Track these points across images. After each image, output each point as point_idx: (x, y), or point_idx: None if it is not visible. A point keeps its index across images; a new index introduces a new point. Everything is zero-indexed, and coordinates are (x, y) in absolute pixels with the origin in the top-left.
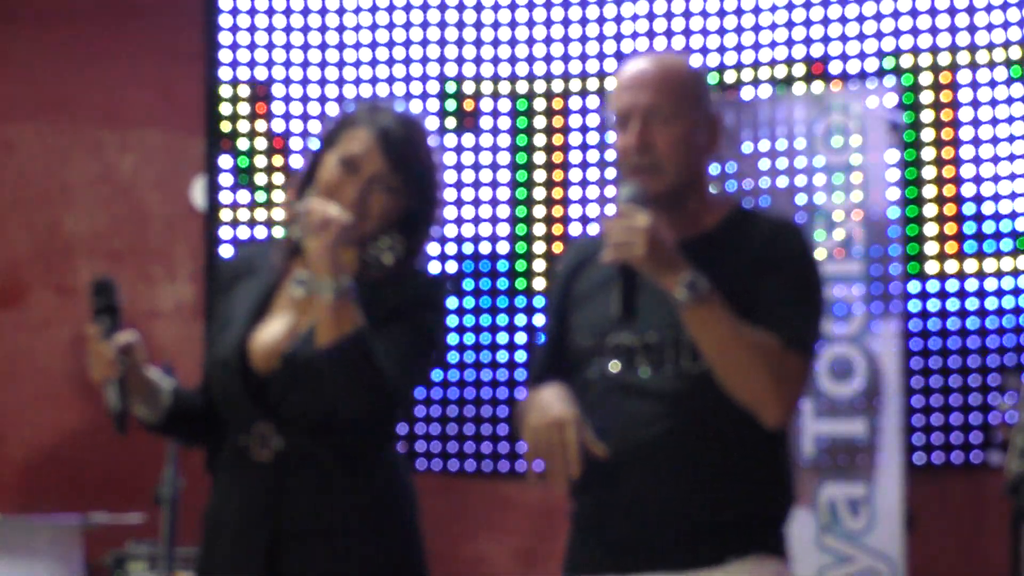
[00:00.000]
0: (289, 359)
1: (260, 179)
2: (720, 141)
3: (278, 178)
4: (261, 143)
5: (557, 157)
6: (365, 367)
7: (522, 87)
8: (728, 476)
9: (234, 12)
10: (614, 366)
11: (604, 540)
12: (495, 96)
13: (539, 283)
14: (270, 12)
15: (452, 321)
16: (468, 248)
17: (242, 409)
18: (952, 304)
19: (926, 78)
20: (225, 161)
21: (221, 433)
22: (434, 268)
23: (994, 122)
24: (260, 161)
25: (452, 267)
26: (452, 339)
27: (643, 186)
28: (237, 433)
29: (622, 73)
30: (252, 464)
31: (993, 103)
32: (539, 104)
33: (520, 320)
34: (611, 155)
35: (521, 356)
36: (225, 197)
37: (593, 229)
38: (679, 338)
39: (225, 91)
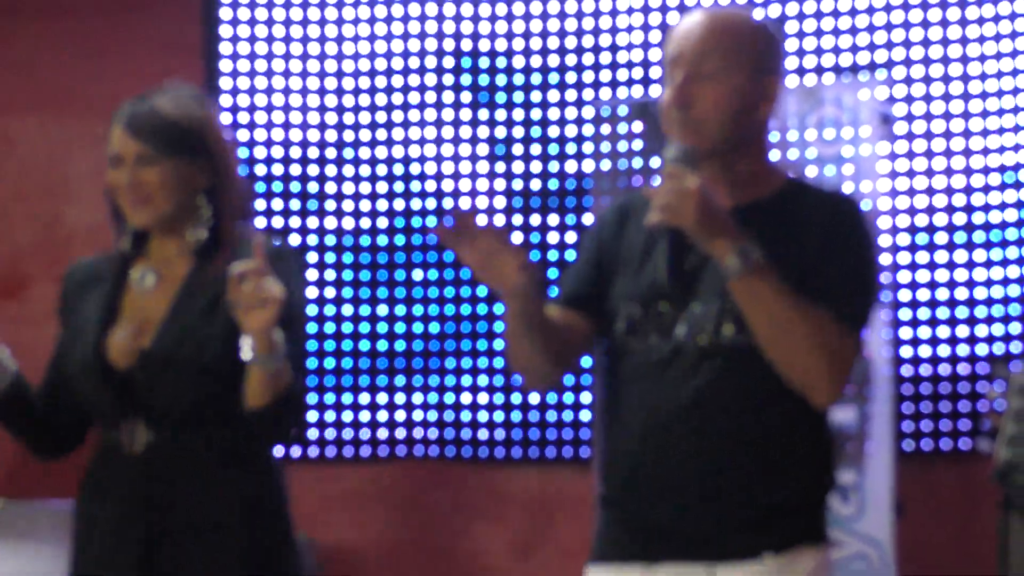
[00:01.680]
0: (147, 355)
1: (260, 170)
2: (777, 105)
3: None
4: (261, 135)
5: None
6: (289, 414)
7: (536, 61)
8: (769, 458)
9: (234, 4)
10: (654, 339)
11: (632, 526)
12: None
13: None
14: (270, 4)
15: (466, 310)
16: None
17: (108, 406)
18: (941, 294)
19: (918, 71)
20: None
21: (56, 436)
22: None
23: (984, 114)
24: (259, 153)
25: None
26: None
27: (691, 145)
28: (108, 430)
29: (679, 24)
30: (123, 458)
31: (984, 95)
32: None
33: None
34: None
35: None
36: None
37: None
38: (725, 309)
39: (225, 83)
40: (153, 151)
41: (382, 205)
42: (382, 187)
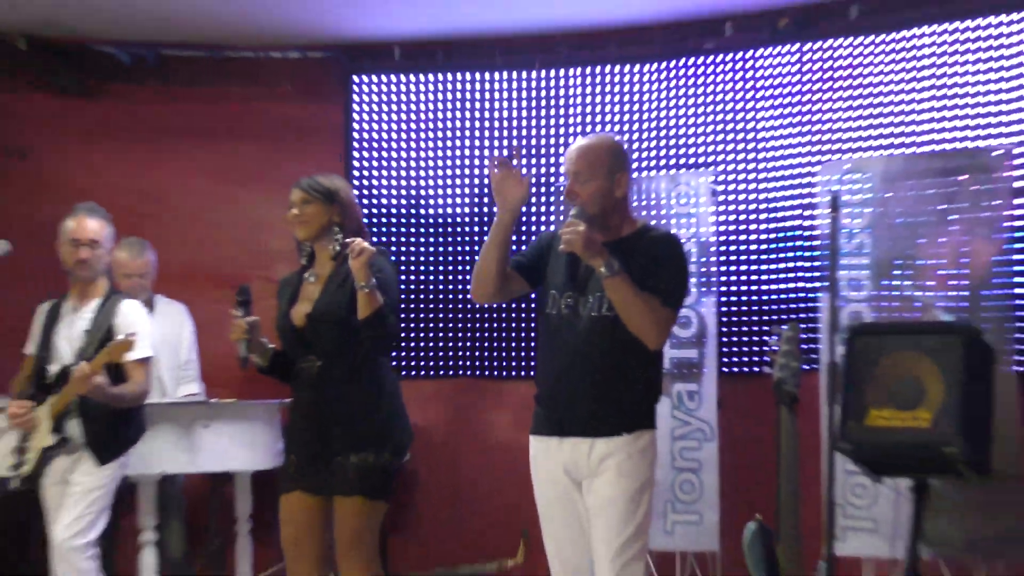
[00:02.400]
0: (308, 317)
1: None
2: (628, 188)
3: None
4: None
5: None
6: (382, 325)
7: None
8: (623, 379)
9: (360, 142)
10: (563, 310)
11: (550, 417)
12: None
13: None
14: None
15: None
16: None
17: (296, 348)
18: (746, 286)
19: (735, 165)
20: None
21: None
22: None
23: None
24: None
25: None
26: None
27: (580, 213)
28: (299, 362)
29: (568, 148)
30: (308, 376)
31: (762, 175)
32: None
33: None
34: None
35: None
36: None
37: None
38: (603, 298)
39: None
40: (308, 196)
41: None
42: None
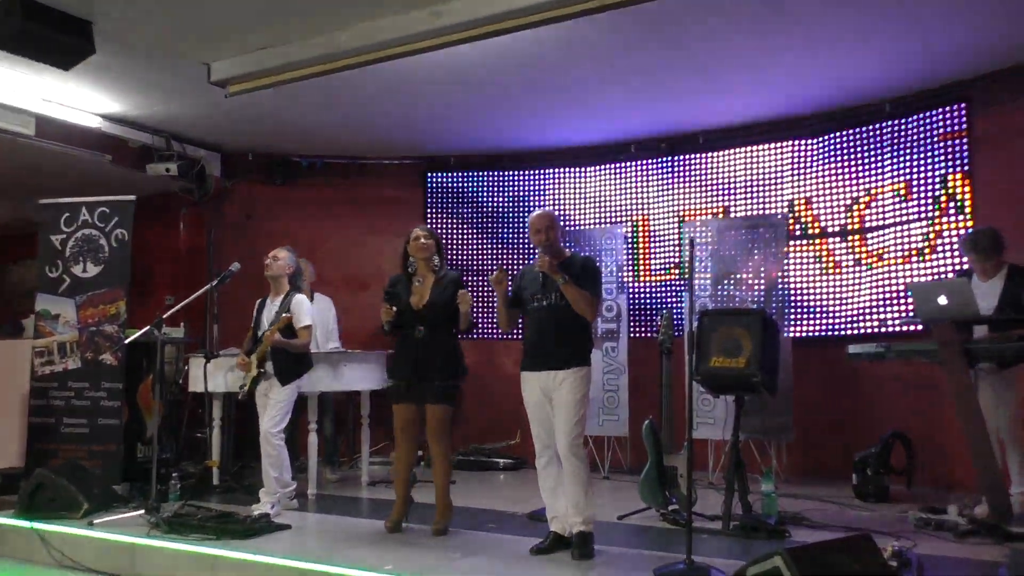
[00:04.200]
0: (427, 304)
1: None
2: (563, 236)
3: None
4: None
5: None
6: (469, 329)
7: None
8: (572, 338)
9: (432, 211)
10: (538, 303)
11: (529, 359)
12: None
13: None
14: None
15: None
16: None
17: (411, 321)
18: (645, 289)
19: (638, 221)
20: None
21: (401, 330)
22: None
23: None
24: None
25: None
26: None
27: (545, 250)
28: (408, 329)
29: (532, 216)
30: (414, 340)
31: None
32: None
33: None
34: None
35: None
36: None
37: None
38: (559, 295)
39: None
40: (429, 234)
41: None
42: None
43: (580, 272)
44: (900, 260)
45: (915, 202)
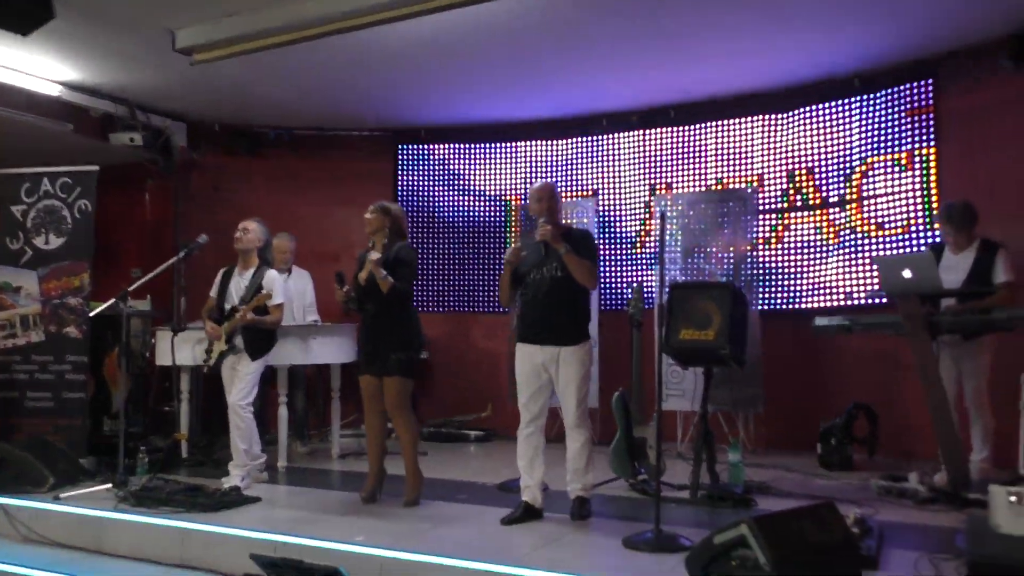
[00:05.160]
0: (367, 280)
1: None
2: (561, 207)
3: None
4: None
5: None
6: (393, 291)
7: None
8: (573, 310)
9: (402, 183)
10: (537, 275)
11: (527, 331)
12: None
13: None
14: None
15: None
16: None
17: (361, 298)
18: (616, 263)
19: (611, 195)
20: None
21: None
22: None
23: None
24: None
25: None
26: None
27: (545, 220)
28: (363, 305)
29: (534, 186)
30: (369, 316)
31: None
32: None
33: None
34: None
35: None
36: None
37: None
38: (561, 265)
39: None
40: (374, 211)
41: None
42: None
43: (579, 243)
44: (868, 234)
45: (882, 177)
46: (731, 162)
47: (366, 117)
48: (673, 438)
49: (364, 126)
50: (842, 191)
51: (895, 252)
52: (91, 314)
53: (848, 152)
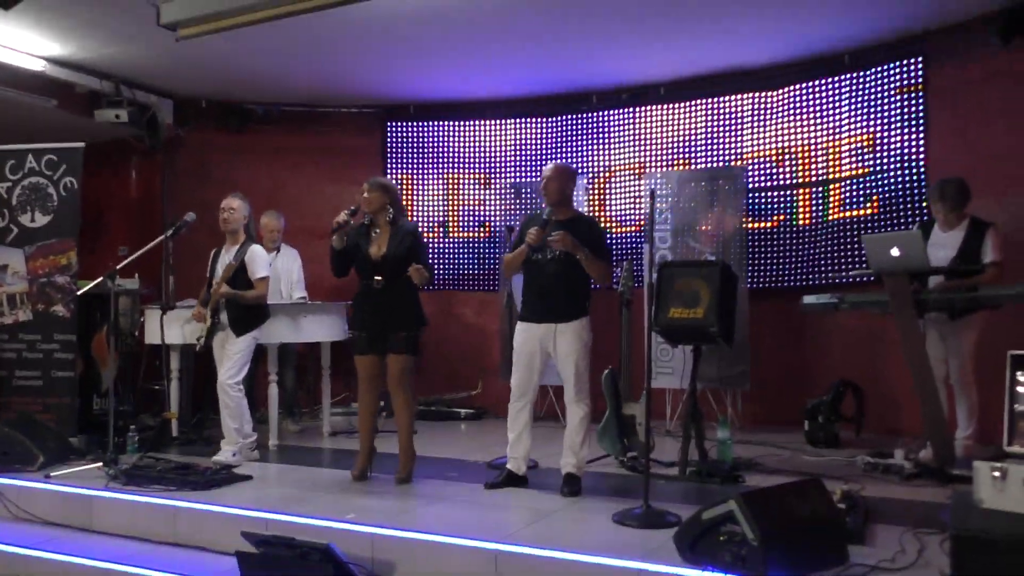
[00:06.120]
0: (384, 256)
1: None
2: (573, 189)
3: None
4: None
5: None
6: (429, 282)
7: None
8: (573, 292)
9: (392, 159)
10: (542, 255)
11: (528, 311)
12: None
13: None
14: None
15: None
16: None
17: (370, 271)
18: (609, 238)
19: (601, 174)
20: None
21: (344, 269)
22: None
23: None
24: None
25: None
26: None
27: (556, 202)
28: (366, 280)
29: (546, 168)
30: (373, 290)
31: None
32: None
33: None
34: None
35: None
36: None
37: None
38: (553, 250)
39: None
40: (372, 187)
41: None
42: None
43: (588, 234)
44: (858, 212)
45: (871, 155)
46: (722, 140)
47: (355, 93)
48: (662, 416)
49: (353, 103)
50: (831, 169)
51: (884, 230)
52: (79, 292)
53: (838, 129)
